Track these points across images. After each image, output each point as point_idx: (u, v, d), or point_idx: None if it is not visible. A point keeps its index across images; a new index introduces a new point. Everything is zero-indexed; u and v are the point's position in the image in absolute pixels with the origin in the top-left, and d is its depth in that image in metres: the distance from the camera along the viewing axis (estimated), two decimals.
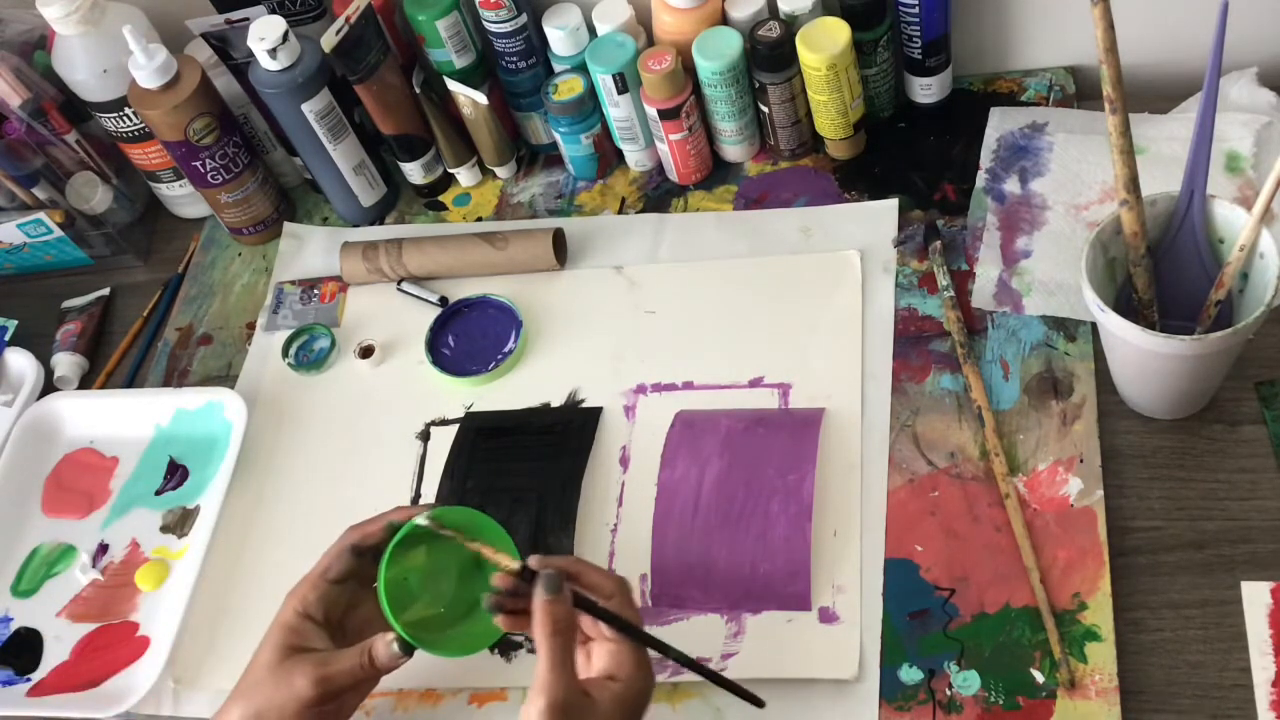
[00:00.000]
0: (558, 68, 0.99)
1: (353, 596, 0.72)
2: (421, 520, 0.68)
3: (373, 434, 0.93)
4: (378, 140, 1.03)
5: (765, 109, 0.96)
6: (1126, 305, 0.77)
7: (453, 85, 0.99)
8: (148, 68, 0.94)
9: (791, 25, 0.92)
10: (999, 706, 0.72)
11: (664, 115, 0.95)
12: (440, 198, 1.07)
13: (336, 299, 1.02)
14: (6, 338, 1.06)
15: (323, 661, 0.67)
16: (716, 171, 1.02)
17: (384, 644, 0.67)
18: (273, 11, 0.98)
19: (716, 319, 0.93)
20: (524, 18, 0.96)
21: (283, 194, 1.09)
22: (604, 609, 0.64)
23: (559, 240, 0.98)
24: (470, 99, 0.99)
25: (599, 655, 0.65)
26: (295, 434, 0.95)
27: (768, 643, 0.77)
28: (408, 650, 0.67)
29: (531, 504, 0.86)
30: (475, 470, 0.89)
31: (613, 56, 0.95)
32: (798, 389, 0.87)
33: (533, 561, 0.64)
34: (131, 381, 1.03)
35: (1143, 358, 0.74)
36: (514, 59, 0.99)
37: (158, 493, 0.95)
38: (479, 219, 1.05)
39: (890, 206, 0.95)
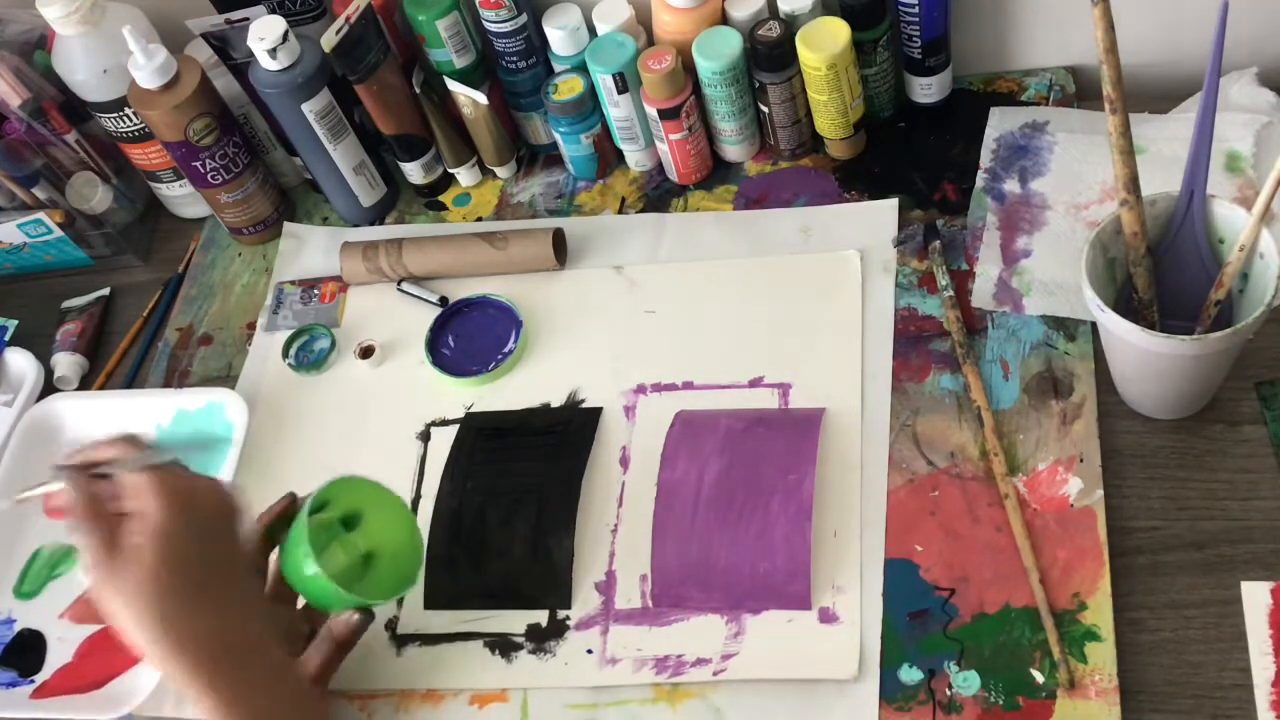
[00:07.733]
0: (558, 68, 0.99)
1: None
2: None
3: (373, 434, 0.93)
4: (378, 140, 1.03)
5: (765, 109, 0.96)
6: (1126, 305, 0.77)
7: (453, 85, 0.99)
8: (147, 68, 0.94)
9: (791, 25, 0.92)
10: (999, 707, 0.72)
11: (664, 115, 0.95)
12: (440, 198, 1.07)
13: (336, 299, 1.02)
14: (6, 338, 1.06)
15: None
16: (716, 171, 1.02)
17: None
18: (273, 11, 0.98)
19: (716, 319, 0.93)
20: (524, 18, 0.96)
21: (283, 194, 1.09)
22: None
23: (559, 240, 0.98)
24: (470, 99, 0.99)
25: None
26: (295, 434, 0.95)
27: (768, 643, 0.77)
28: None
29: (531, 504, 0.86)
30: (475, 471, 0.89)
31: (613, 56, 0.95)
32: (798, 389, 0.88)
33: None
34: (132, 382, 1.03)
35: (1143, 358, 0.74)
36: (514, 59, 0.99)
37: None
38: (479, 219, 1.05)
39: (890, 206, 0.95)
